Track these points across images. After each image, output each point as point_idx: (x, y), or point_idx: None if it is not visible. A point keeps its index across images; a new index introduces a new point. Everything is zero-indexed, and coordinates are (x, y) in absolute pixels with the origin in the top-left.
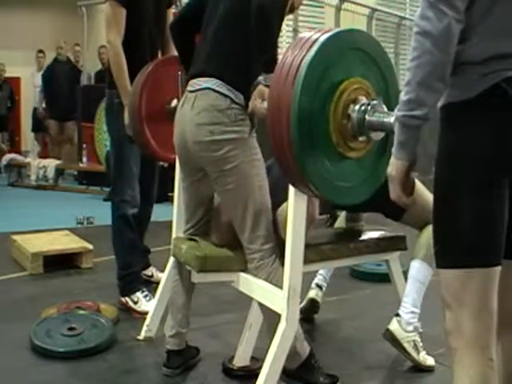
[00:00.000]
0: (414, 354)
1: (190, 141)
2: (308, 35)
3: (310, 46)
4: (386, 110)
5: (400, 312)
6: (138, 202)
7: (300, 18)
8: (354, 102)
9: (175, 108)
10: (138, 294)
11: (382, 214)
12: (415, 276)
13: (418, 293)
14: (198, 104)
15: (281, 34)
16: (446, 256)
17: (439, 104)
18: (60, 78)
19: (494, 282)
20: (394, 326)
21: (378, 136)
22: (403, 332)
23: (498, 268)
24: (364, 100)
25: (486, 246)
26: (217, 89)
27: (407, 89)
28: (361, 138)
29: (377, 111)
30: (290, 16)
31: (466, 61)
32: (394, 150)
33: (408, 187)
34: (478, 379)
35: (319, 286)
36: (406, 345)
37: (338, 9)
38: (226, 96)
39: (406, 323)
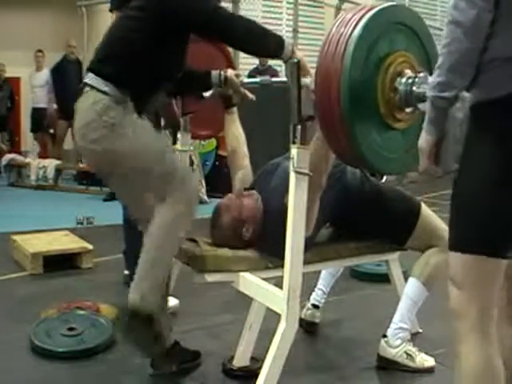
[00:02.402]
0: (409, 363)
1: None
2: (352, 14)
3: (356, 23)
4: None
5: (387, 331)
6: None
7: (300, 18)
8: (400, 74)
9: None
10: None
11: (386, 239)
12: (408, 293)
13: (408, 309)
14: (76, 107)
15: (281, 34)
16: (459, 240)
17: (470, 102)
18: (70, 78)
19: (501, 273)
20: (382, 349)
21: (425, 107)
22: (392, 349)
23: (505, 261)
24: (409, 73)
25: (500, 238)
26: (91, 83)
27: (438, 72)
28: (407, 110)
29: (424, 83)
30: (290, 16)
31: (495, 57)
32: (424, 125)
33: (436, 161)
34: (484, 361)
35: (316, 306)
36: (399, 360)
37: (338, 9)
38: (98, 90)
39: (392, 338)
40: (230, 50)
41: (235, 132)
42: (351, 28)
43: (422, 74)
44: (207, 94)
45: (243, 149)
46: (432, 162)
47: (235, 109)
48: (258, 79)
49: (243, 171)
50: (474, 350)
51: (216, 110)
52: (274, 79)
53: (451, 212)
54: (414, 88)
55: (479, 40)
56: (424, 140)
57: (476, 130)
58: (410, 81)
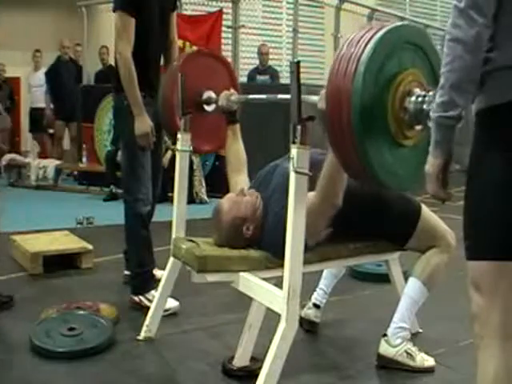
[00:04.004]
0: (409, 362)
1: None
2: (362, 33)
3: (367, 43)
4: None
5: (387, 331)
6: (151, 199)
7: (300, 18)
8: (409, 94)
9: (207, 100)
10: (153, 292)
11: (386, 241)
12: (408, 293)
13: (408, 309)
14: None
15: (281, 34)
16: (475, 249)
17: (475, 109)
18: (65, 78)
19: None
20: (382, 348)
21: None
22: (392, 348)
23: None
24: (419, 91)
25: None
26: None
27: (441, 92)
28: (417, 127)
29: (433, 101)
30: (290, 16)
31: (499, 66)
32: (430, 148)
33: (445, 183)
34: (503, 368)
35: (317, 306)
36: (399, 359)
37: (338, 9)
38: None
39: (392, 337)
40: (231, 51)
41: (238, 151)
42: (362, 47)
43: (431, 93)
44: (210, 108)
45: (244, 170)
46: (440, 185)
47: (238, 126)
48: (264, 96)
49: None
50: (494, 357)
51: (218, 124)
52: (280, 96)
53: (464, 221)
54: (424, 106)
55: (480, 56)
56: (431, 164)
57: (483, 136)
58: (420, 99)
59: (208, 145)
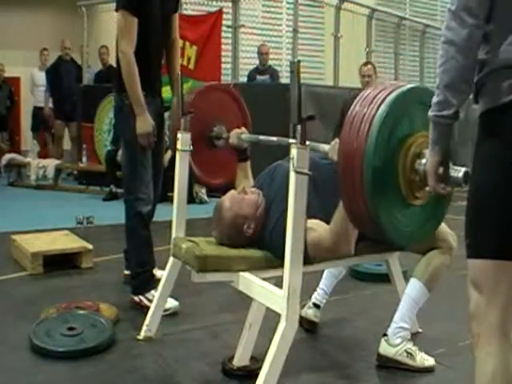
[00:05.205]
0: (409, 362)
1: None
2: (376, 92)
3: (380, 104)
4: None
5: (388, 330)
6: (152, 199)
7: (300, 18)
8: (420, 156)
9: (217, 135)
10: (153, 292)
11: (385, 243)
12: (409, 293)
13: (408, 309)
14: None
15: (281, 34)
16: (476, 247)
17: (478, 112)
18: (66, 78)
19: None
20: (382, 347)
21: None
22: (392, 348)
23: None
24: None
25: None
26: None
27: (437, 92)
28: (428, 188)
29: None
30: (290, 16)
31: (498, 67)
32: (429, 148)
33: (443, 180)
34: (501, 366)
35: (317, 306)
36: (398, 358)
37: (338, 9)
38: None
39: (392, 337)
40: (231, 51)
41: None
42: (375, 108)
43: None
44: (220, 143)
45: None
46: (438, 181)
47: (248, 163)
48: (275, 138)
49: None
50: (493, 354)
51: (228, 158)
52: (291, 140)
53: (466, 220)
54: None
55: (473, 56)
56: (429, 162)
57: (485, 136)
58: None
59: (218, 179)
